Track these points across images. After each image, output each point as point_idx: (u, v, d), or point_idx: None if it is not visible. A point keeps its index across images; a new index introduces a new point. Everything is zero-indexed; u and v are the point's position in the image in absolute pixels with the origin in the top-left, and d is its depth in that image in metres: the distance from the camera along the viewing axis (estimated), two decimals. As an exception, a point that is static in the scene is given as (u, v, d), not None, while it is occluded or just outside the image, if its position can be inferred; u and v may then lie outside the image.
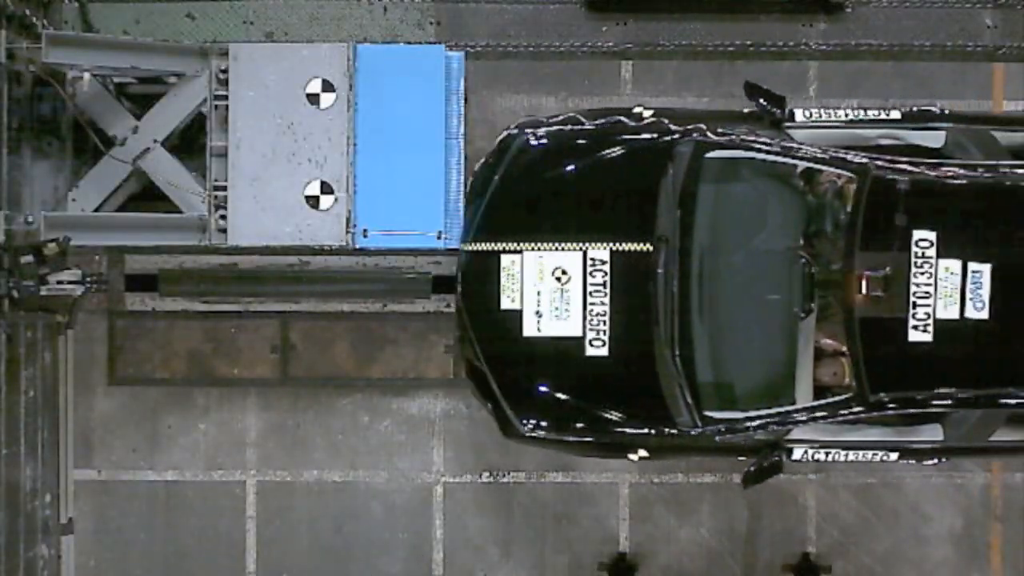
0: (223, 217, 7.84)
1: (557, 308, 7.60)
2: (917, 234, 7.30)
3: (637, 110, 7.94)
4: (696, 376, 7.54)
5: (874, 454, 7.81)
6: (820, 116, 7.89)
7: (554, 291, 7.61)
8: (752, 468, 7.71)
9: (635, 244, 7.55)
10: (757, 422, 7.54)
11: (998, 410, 7.49)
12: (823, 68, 9.43)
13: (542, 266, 7.62)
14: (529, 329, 7.66)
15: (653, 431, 7.68)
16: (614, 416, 7.70)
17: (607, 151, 7.75)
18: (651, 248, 7.50)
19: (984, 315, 7.28)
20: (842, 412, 7.49)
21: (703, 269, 7.57)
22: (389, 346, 9.35)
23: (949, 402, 7.44)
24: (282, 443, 9.40)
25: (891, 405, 7.40)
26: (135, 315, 9.36)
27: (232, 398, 9.39)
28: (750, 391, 7.72)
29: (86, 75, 8.08)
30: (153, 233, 8.08)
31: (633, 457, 7.87)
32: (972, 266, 7.28)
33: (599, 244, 7.57)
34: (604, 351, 7.58)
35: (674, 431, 7.61)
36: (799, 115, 7.89)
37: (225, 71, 7.86)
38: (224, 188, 7.83)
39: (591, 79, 9.40)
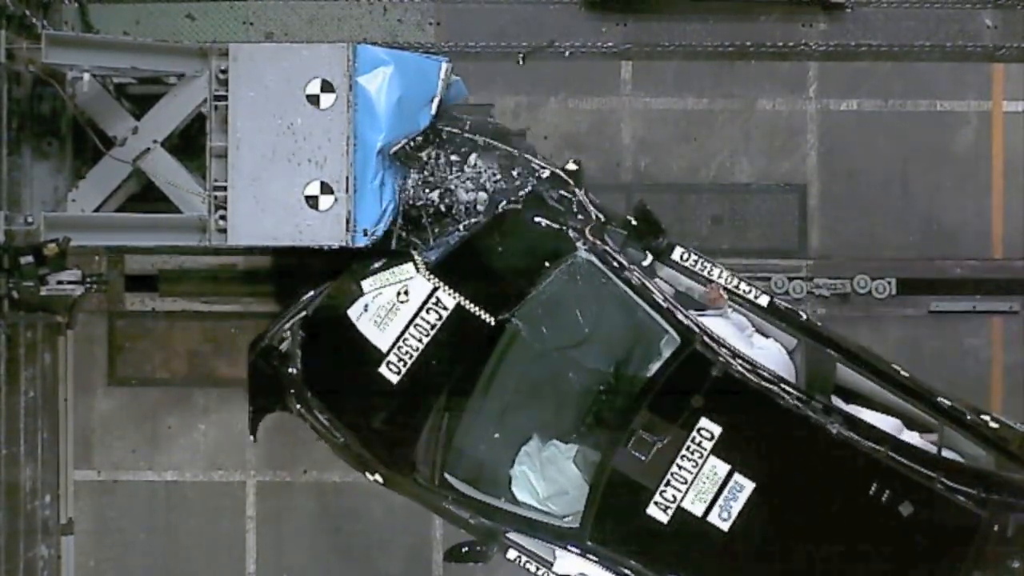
0: (223, 217, 7.82)
1: (381, 317, 7.64)
2: (703, 422, 7.23)
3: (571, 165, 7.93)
4: (454, 440, 7.61)
5: None
6: (692, 264, 7.86)
7: (388, 301, 7.65)
8: (461, 545, 7.72)
9: (483, 312, 7.58)
10: (477, 507, 7.58)
11: None
12: (823, 68, 9.44)
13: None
14: (353, 312, 7.69)
15: (394, 466, 7.69)
16: (367, 433, 7.69)
17: (515, 217, 7.79)
18: (494, 324, 7.55)
19: (724, 527, 7.22)
20: (557, 538, 7.50)
21: (518, 351, 7.61)
22: (389, 346, 9.34)
23: None
24: (282, 443, 9.39)
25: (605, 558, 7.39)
26: (135, 315, 9.37)
27: (232, 398, 9.37)
28: (495, 478, 7.75)
29: (86, 75, 8.06)
30: (153, 233, 8.06)
31: (371, 477, 7.86)
32: (737, 477, 7.21)
33: (452, 292, 7.61)
34: (395, 378, 7.57)
35: (411, 476, 7.64)
36: (676, 254, 7.88)
37: (225, 71, 7.84)
38: (224, 188, 7.81)
39: (591, 79, 9.40)
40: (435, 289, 7.62)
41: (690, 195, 9.33)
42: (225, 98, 7.83)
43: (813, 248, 9.38)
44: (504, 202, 7.86)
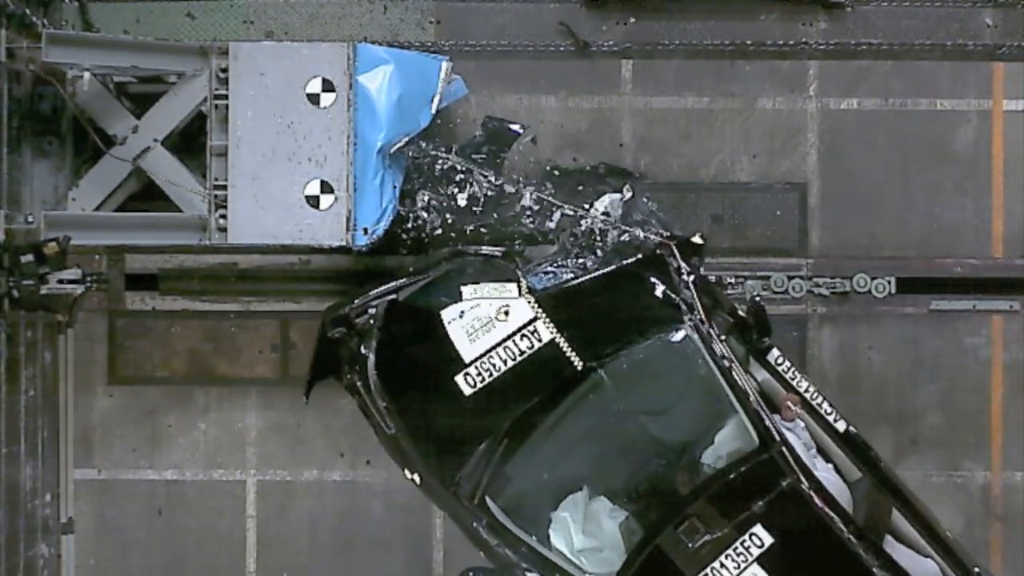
0: (223, 216, 7.84)
1: (474, 328, 7.66)
2: (757, 528, 7.18)
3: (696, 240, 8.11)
4: (506, 467, 7.58)
5: None
6: (784, 370, 7.87)
7: (487, 315, 7.67)
8: (470, 570, 7.75)
9: (573, 354, 7.59)
10: (508, 537, 7.54)
11: None
12: (823, 67, 9.44)
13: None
14: (447, 314, 7.72)
15: (438, 473, 7.67)
16: (422, 432, 7.70)
17: (638, 275, 7.86)
18: (580, 368, 7.56)
19: None
20: None
21: (595, 402, 7.60)
22: (389, 345, 9.33)
23: None
24: (282, 443, 9.40)
25: None
26: (135, 315, 9.36)
27: (232, 398, 9.39)
28: (535, 516, 7.69)
29: (86, 74, 8.09)
30: (153, 232, 8.08)
31: (408, 474, 7.86)
32: None
33: (552, 326, 7.62)
34: (468, 390, 7.60)
35: (451, 488, 7.62)
36: (772, 355, 7.90)
37: (225, 70, 7.86)
38: (224, 187, 7.83)
39: (591, 79, 9.40)
40: (535, 318, 7.65)
41: (690, 194, 9.33)
42: (225, 97, 7.85)
43: (813, 247, 9.38)
44: (625, 256, 8.00)
